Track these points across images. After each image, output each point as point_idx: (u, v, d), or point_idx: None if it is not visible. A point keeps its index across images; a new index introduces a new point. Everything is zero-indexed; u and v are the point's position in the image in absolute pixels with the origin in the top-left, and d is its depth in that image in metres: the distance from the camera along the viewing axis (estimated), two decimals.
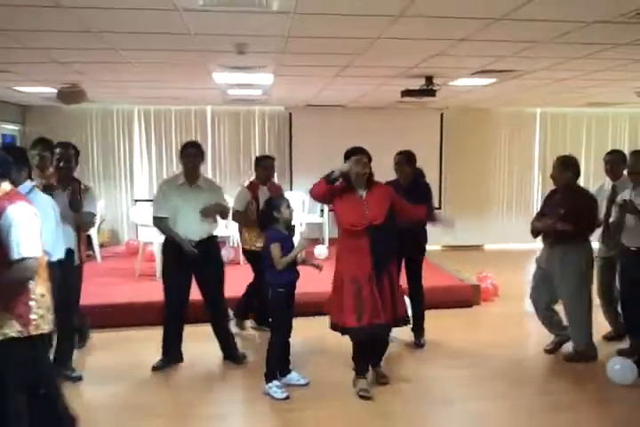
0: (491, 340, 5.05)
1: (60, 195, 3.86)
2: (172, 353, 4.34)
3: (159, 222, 4.22)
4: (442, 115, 9.48)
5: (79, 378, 4.05)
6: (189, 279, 4.30)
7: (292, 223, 4.06)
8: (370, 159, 3.81)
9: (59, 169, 3.98)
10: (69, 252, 3.90)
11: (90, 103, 8.02)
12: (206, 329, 4.46)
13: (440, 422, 3.65)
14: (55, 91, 6.39)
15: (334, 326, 3.83)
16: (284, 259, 3.75)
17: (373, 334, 3.74)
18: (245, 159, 9.27)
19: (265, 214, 3.91)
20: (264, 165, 5.05)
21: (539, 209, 4.71)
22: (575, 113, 9.83)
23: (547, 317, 4.60)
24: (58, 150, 3.98)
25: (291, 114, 9.20)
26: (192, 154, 4.22)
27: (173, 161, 9.03)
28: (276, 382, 3.82)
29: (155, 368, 4.24)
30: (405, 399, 3.83)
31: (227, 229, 7.84)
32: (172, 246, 4.22)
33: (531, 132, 9.91)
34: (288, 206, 3.88)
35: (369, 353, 3.96)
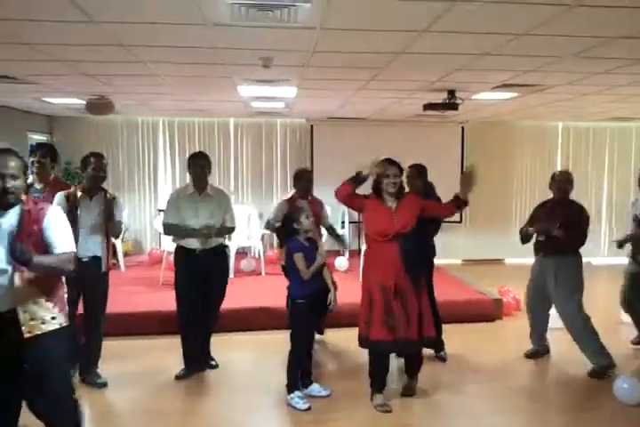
0: (512, 354, 5.01)
1: (95, 202, 4.02)
2: (193, 362, 4.38)
3: (169, 228, 4.34)
4: (463, 128, 9.50)
5: (104, 384, 4.12)
6: (200, 287, 4.33)
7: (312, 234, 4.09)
8: (401, 171, 3.90)
9: (92, 178, 4.07)
10: (96, 258, 4.00)
11: (116, 114, 8.20)
12: (232, 338, 4.47)
13: None
14: (83, 102, 6.55)
15: (361, 340, 3.81)
16: (310, 268, 3.79)
17: (398, 349, 3.77)
18: (267, 171, 9.37)
19: (285, 227, 3.95)
20: (303, 178, 5.00)
21: (527, 219, 4.81)
22: (598, 127, 9.77)
23: (538, 319, 4.79)
24: (92, 159, 4.07)
25: (312, 126, 9.28)
26: (200, 165, 4.32)
27: None
28: (298, 393, 3.85)
29: (177, 377, 4.30)
30: (425, 412, 3.83)
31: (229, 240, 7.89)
32: (182, 255, 4.32)
33: (552, 147, 9.87)
34: (307, 217, 3.92)
35: (387, 369, 3.91)
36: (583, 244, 4.47)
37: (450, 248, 9.04)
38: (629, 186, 9.84)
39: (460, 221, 9.38)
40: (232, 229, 4.50)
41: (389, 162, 3.91)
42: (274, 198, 9.16)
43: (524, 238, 4.64)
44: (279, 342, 4.43)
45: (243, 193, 9.41)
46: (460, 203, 3.91)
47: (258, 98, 6.62)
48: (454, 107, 6.10)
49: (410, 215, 3.79)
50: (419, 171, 4.79)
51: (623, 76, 5.10)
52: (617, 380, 4.00)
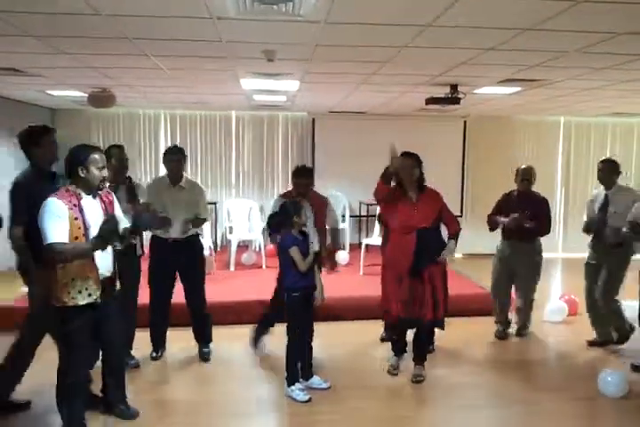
0: (511, 347, 5.06)
1: (121, 191, 4.17)
2: (160, 344, 4.63)
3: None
4: (465, 122, 9.49)
5: (137, 365, 4.36)
6: (174, 278, 4.54)
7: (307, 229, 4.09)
8: (420, 163, 4.09)
9: (116, 168, 4.21)
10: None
11: (118, 107, 8.19)
12: (234, 331, 4.50)
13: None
14: (85, 95, 6.54)
15: (385, 315, 4.24)
16: (306, 260, 3.83)
17: (408, 324, 4.15)
18: (268, 164, 9.38)
19: (284, 217, 3.91)
20: (303, 175, 4.76)
21: (494, 208, 5.25)
22: (599, 122, 9.77)
23: (505, 304, 5.29)
24: (114, 151, 4.28)
25: (314, 120, 9.28)
26: (175, 159, 4.48)
27: (198, 165, 9.18)
28: (298, 385, 3.88)
29: (153, 358, 4.55)
30: (423, 404, 3.88)
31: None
32: (156, 244, 4.47)
33: (554, 141, 9.87)
34: (306, 215, 3.96)
35: (404, 339, 4.36)
36: (549, 231, 5.09)
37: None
38: (630, 180, 9.86)
39: (461, 215, 9.41)
40: (204, 221, 4.60)
41: (406, 154, 4.07)
42: (275, 192, 9.16)
43: (494, 227, 5.14)
44: (279, 334, 4.46)
45: (244, 186, 9.41)
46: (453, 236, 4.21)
47: (260, 91, 6.61)
48: (456, 101, 6.11)
49: (430, 211, 4.04)
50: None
51: (627, 72, 5.10)
52: (601, 373, 4.04)
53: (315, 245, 4.18)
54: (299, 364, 3.97)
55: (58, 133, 3.69)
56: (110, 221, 3.05)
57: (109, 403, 3.57)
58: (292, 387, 3.87)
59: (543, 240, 5.19)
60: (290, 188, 4.94)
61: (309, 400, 3.80)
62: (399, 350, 4.40)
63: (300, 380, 3.97)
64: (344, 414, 3.66)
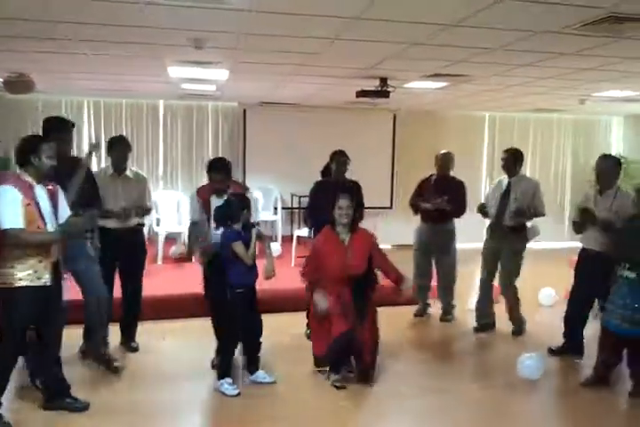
0: (438, 335, 5.22)
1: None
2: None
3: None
4: (394, 116, 9.64)
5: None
6: (114, 270, 4.47)
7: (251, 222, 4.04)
8: (354, 201, 4.09)
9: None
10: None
11: (37, 94, 7.78)
12: (162, 326, 4.41)
13: (391, 417, 3.71)
14: (0, 80, 6.17)
15: (319, 360, 4.08)
16: (250, 253, 3.81)
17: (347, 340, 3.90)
18: (198, 155, 9.18)
19: (233, 210, 3.85)
20: (220, 169, 4.29)
21: (414, 192, 5.67)
22: (522, 117, 10.17)
23: (425, 278, 5.66)
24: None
25: (245, 110, 9.16)
26: (120, 149, 4.51)
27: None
28: (227, 380, 3.84)
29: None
30: (355, 394, 3.90)
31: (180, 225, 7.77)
32: (101, 234, 4.33)
33: (480, 135, 10.20)
34: (250, 209, 3.93)
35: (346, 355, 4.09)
36: (463, 213, 5.49)
37: (380, 233, 9.19)
38: (550, 173, 10.36)
39: (391, 207, 9.58)
40: (149, 210, 4.74)
41: (342, 190, 4.11)
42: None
43: (417, 210, 5.55)
44: (209, 328, 4.40)
45: (172, 178, 9.18)
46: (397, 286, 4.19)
47: (189, 80, 6.45)
48: (386, 95, 6.18)
49: (362, 255, 4.01)
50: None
51: (547, 69, 5.31)
52: (520, 357, 4.23)
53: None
54: (232, 358, 3.95)
55: None
56: (80, 222, 3.36)
57: (54, 396, 3.50)
58: (222, 381, 3.84)
59: (467, 230, 5.43)
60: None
61: (238, 395, 3.77)
62: (337, 367, 4.06)
63: (246, 374, 3.99)
64: (283, 408, 3.67)
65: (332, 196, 4.50)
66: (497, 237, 5.15)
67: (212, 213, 4.05)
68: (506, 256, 5.10)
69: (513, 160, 5.14)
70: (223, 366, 3.89)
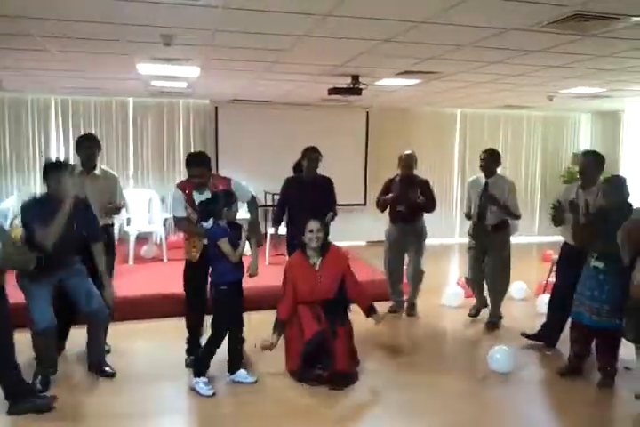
0: (412, 332, 5.25)
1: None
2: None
3: None
4: (367, 113, 9.66)
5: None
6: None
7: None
8: (324, 226, 4.10)
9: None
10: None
11: (2, 92, 7.61)
12: (135, 326, 4.34)
13: (368, 412, 3.74)
14: None
15: (294, 374, 3.97)
16: (237, 251, 3.77)
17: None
18: (169, 153, 9.08)
19: (212, 208, 3.81)
20: (199, 163, 4.27)
21: (381, 192, 5.73)
22: (493, 114, 10.29)
23: (398, 277, 5.71)
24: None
25: (217, 108, 9.08)
26: (89, 147, 4.44)
27: None
28: (203, 379, 3.81)
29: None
30: (326, 393, 3.87)
31: (150, 224, 7.67)
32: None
33: (451, 132, 10.29)
34: (237, 206, 3.92)
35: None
36: (434, 208, 5.58)
37: (355, 230, 9.26)
38: (520, 169, 10.50)
39: (365, 204, 9.60)
40: (120, 209, 4.66)
41: (313, 217, 4.07)
42: (177, 182, 8.87)
43: (384, 208, 5.60)
44: (181, 328, 4.36)
45: (143, 176, 9.05)
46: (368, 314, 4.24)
47: (158, 77, 6.36)
48: (358, 92, 6.18)
49: (334, 279, 4.02)
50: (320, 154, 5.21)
51: (516, 66, 5.37)
52: (491, 350, 4.30)
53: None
54: (212, 358, 3.89)
55: None
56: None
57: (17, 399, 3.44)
58: (197, 379, 3.80)
59: (440, 223, 5.47)
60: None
61: (213, 395, 3.73)
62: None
63: (227, 373, 3.95)
64: (239, 408, 3.65)
65: (303, 192, 4.50)
66: (481, 236, 5.26)
67: (197, 207, 4.04)
68: (492, 253, 5.23)
69: (492, 160, 5.23)
70: (200, 365, 3.85)
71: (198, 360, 3.90)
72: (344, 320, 4.11)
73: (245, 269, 4.02)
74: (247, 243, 4.03)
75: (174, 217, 4.38)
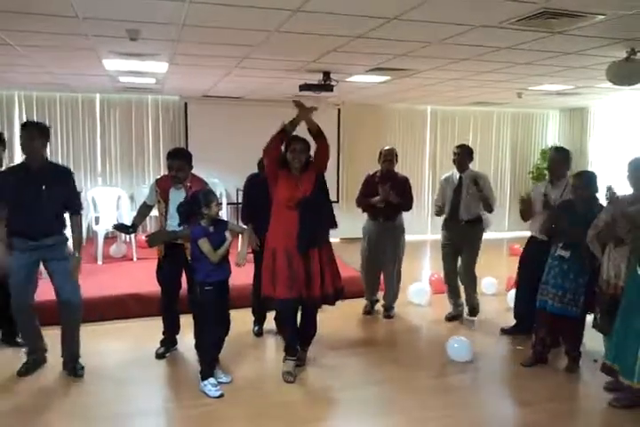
0: (386, 328, 5.26)
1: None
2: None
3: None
4: (339, 110, 9.64)
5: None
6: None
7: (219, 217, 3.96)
8: (308, 148, 4.14)
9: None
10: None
11: None
12: (104, 327, 4.25)
13: (338, 409, 3.72)
14: None
15: (267, 301, 3.98)
16: (218, 251, 3.70)
17: (304, 304, 3.95)
18: (138, 150, 8.93)
19: (191, 209, 3.73)
20: (181, 157, 4.27)
21: (360, 191, 5.64)
22: (462, 111, 10.36)
23: (374, 276, 5.57)
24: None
25: (186, 104, 8.96)
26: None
27: (59, 152, 8.54)
28: (211, 380, 3.77)
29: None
30: (299, 389, 3.89)
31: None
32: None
33: (422, 128, 10.34)
34: (217, 204, 3.81)
35: (297, 331, 4.11)
36: (411, 207, 5.49)
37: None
38: (490, 165, 10.61)
39: (338, 201, 9.58)
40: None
41: (298, 139, 4.11)
42: (146, 179, 8.76)
43: (367, 206, 5.48)
44: (154, 329, 4.29)
45: (112, 174, 8.89)
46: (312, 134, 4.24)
47: (126, 72, 6.24)
48: (329, 88, 6.16)
49: (310, 181, 4.00)
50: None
51: (485, 63, 5.41)
52: (449, 340, 4.42)
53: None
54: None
55: None
56: None
57: None
58: (205, 382, 3.75)
59: (414, 221, 5.47)
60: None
61: (222, 396, 3.69)
62: (293, 349, 4.08)
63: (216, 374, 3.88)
64: (212, 408, 3.60)
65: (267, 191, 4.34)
66: (455, 231, 5.29)
67: (170, 203, 4.09)
68: (467, 248, 5.29)
69: (465, 156, 5.30)
70: (205, 367, 3.81)
71: (204, 364, 3.84)
72: (320, 241, 4.03)
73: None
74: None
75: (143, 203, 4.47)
